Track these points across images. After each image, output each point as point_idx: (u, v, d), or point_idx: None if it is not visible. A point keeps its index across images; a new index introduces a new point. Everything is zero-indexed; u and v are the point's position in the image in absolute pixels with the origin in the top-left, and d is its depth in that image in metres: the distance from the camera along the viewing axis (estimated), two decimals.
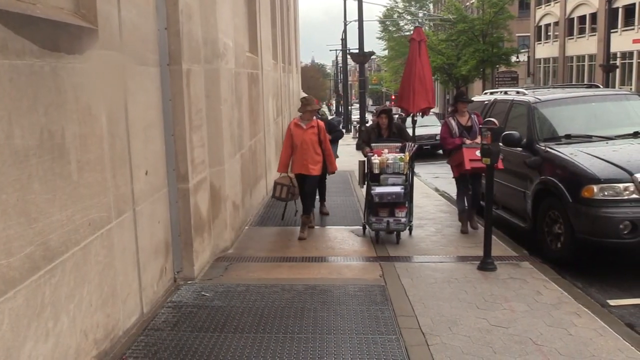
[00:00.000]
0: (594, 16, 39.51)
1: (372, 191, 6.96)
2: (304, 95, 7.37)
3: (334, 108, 56.42)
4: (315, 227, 8.03)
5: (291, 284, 5.58)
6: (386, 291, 5.37)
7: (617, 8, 35.61)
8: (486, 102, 9.02)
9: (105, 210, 3.91)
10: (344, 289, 5.44)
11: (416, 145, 7.67)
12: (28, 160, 2.99)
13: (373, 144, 7.51)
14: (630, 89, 35.07)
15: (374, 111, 7.74)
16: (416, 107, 8.29)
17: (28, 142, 3.00)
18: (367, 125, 8.21)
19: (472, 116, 7.59)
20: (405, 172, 7.05)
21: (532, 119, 7.28)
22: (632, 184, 5.77)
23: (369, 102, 77.06)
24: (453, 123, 7.52)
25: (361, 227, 7.72)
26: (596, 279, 6.00)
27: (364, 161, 7.40)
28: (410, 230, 7.51)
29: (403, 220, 7.04)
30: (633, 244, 5.86)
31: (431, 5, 59.35)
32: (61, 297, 3.33)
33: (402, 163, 7.06)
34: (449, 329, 4.52)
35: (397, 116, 13.78)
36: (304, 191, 7.67)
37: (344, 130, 16.49)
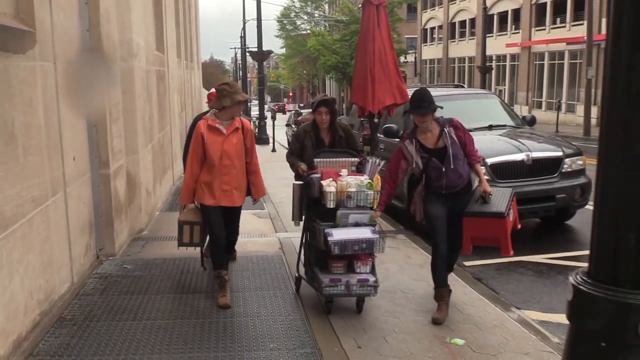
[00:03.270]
0: (473, 21, 42.89)
1: (328, 237, 4.57)
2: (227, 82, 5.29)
3: None
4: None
5: None
6: (283, 259, 6.32)
7: (493, 15, 39.03)
8: None
9: (43, 189, 4.53)
10: (249, 259, 6.32)
11: (382, 161, 5.18)
12: None
13: (317, 159, 5.07)
14: (504, 88, 38.66)
15: (312, 104, 5.50)
16: (377, 103, 6.29)
17: None
18: (299, 126, 5.26)
19: (446, 130, 4.65)
20: (373, 206, 4.80)
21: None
22: (484, 167, 7.12)
23: (268, 98, 77.92)
24: (410, 148, 4.71)
25: (264, 211, 8.50)
26: None
27: (300, 185, 5.12)
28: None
29: (371, 280, 4.72)
30: None
31: (327, 6, 61.25)
32: (13, 260, 3.95)
33: (372, 192, 4.74)
34: None
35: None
36: (224, 232, 5.09)
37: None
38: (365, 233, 4.67)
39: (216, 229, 5.05)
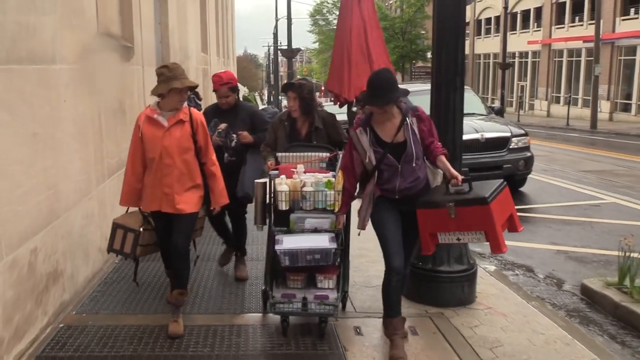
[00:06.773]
0: (498, 19, 44.48)
1: (277, 245, 3.96)
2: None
3: (266, 98, 59.32)
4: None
5: None
6: None
7: (516, 12, 40.67)
8: None
9: None
10: None
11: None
12: (115, 116, 6.12)
13: (280, 154, 4.52)
14: (525, 84, 40.31)
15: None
16: (354, 90, 5.44)
17: (114, 106, 6.12)
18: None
19: (408, 121, 3.80)
20: (335, 209, 4.08)
21: None
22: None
23: None
24: (362, 138, 3.84)
25: None
26: None
27: (263, 183, 4.39)
28: (344, 302, 4.55)
29: (332, 297, 4.05)
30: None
31: None
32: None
33: (331, 192, 4.03)
34: None
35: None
36: (169, 245, 4.31)
37: None
38: (321, 242, 3.92)
39: (164, 240, 4.36)
